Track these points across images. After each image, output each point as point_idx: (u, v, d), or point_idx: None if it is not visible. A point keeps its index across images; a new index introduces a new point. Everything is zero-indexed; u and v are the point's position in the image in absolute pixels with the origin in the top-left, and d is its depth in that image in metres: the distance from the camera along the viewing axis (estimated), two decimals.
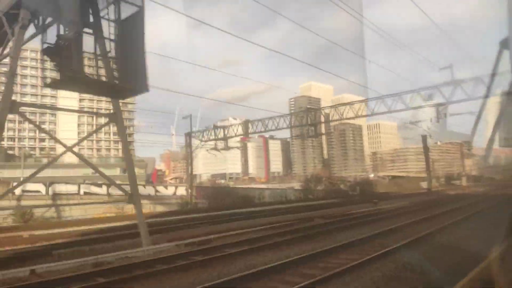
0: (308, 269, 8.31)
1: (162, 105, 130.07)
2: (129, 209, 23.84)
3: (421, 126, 35.32)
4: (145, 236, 11.79)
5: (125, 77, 9.43)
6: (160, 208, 30.40)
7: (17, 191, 26.81)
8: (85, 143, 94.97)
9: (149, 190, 38.07)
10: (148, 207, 28.46)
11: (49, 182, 31.41)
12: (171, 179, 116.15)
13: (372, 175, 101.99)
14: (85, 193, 32.85)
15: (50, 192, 30.74)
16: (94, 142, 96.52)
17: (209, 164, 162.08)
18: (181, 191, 37.40)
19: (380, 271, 7.85)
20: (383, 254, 9.17)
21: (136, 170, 78.54)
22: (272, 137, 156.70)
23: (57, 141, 34.71)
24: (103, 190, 33.22)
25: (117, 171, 74.94)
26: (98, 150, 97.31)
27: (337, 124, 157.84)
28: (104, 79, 10.24)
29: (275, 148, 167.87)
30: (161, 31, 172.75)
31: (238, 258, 9.78)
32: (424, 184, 66.32)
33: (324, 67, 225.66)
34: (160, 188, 40.88)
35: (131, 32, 9.25)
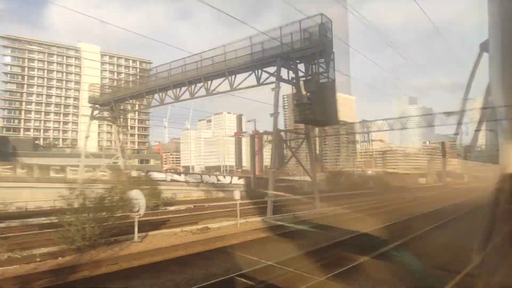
0: None
1: None
2: (215, 193, 32.80)
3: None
4: (318, 203, 20.78)
5: (324, 114, 18.47)
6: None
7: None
8: (104, 136, 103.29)
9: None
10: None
11: (146, 170, 39.84)
12: (165, 170, 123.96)
13: (370, 171, 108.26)
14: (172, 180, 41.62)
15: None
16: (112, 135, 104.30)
17: (202, 157, 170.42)
18: (234, 180, 45.04)
19: None
20: None
21: (153, 161, 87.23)
22: (266, 132, 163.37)
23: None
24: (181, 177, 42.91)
25: (135, 161, 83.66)
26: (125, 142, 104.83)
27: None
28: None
29: (269, 141, 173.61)
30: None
31: None
32: (422, 180, 73.59)
33: None
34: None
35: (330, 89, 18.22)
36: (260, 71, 21.71)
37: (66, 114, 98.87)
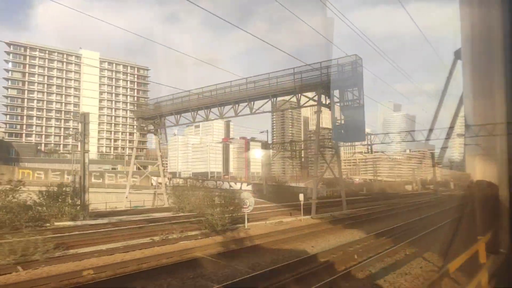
0: None
1: None
2: None
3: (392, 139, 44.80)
4: (345, 205, 25.48)
5: (355, 133, 23.38)
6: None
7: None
8: (103, 141, 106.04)
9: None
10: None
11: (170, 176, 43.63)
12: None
13: (357, 179, 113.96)
14: None
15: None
16: (112, 141, 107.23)
17: (188, 163, 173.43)
18: (243, 186, 49.20)
19: None
20: None
21: (150, 167, 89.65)
22: (253, 139, 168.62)
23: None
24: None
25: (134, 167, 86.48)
26: (115, 148, 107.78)
27: (315, 131, 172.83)
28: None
29: (256, 149, 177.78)
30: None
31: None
32: (408, 187, 78.54)
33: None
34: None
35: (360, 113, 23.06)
36: (299, 95, 26.73)
37: (66, 120, 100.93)
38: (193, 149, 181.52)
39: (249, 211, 16.87)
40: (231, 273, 9.44)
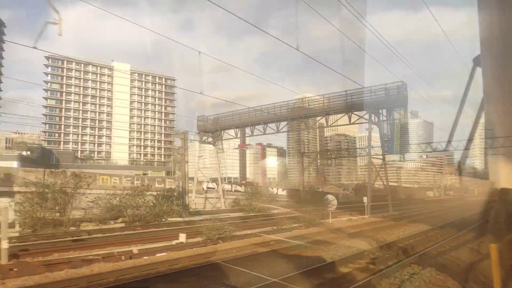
0: None
1: None
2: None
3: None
4: (391, 208, 29.62)
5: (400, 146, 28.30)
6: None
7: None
8: (134, 148, 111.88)
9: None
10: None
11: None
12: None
13: (377, 185, 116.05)
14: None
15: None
16: (142, 148, 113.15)
17: (205, 169, 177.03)
18: (279, 191, 53.66)
19: None
20: None
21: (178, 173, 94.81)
22: (269, 145, 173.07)
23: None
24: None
25: (163, 173, 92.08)
26: (145, 155, 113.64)
27: (333, 135, 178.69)
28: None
29: (271, 155, 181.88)
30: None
31: None
32: (430, 193, 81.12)
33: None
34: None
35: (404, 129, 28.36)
36: (350, 113, 31.62)
37: (100, 128, 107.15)
38: (210, 156, 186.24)
39: (333, 209, 21.72)
40: (364, 247, 14.16)
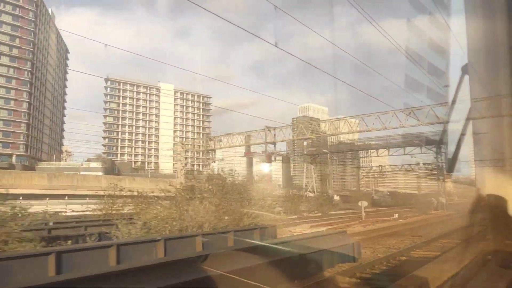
0: None
1: None
2: None
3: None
4: (445, 208, 44.72)
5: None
6: None
7: None
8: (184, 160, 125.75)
9: None
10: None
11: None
12: None
13: (384, 191, 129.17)
14: None
15: None
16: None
17: None
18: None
19: None
20: None
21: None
22: (275, 153, 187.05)
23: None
24: None
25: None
26: (185, 164, 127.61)
27: (336, 144, 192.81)
28: None
29: (276, 162, 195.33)
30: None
31: None
32: (442, 200, 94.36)
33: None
34: None
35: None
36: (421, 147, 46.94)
37: (149, 142, 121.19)
38: (217, 164, 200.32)
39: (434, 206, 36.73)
40: None
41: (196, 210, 10.06)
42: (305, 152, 53.25)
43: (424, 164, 57.48)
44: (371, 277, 8.36)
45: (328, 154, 52.12)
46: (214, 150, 46.94)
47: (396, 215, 27.59)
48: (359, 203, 24.49)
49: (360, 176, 74.21)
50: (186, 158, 47.54)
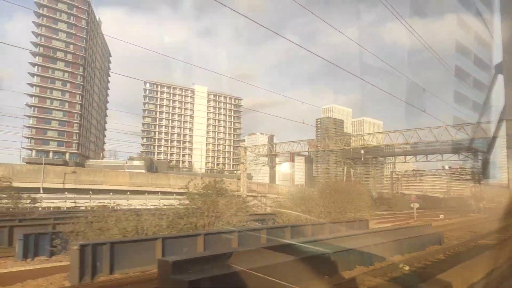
0: None
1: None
2: None
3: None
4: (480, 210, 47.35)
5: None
6: None
7: None
8: (209, 159, 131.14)
9: None
10: None
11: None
12: None
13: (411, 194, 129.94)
14: None
15: None
16: (216, 158, 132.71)
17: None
18: None
19: None
20: None
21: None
22: (298, 153, 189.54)
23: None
24: None
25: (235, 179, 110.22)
26: (217, 164, 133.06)
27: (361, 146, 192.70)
28: None
29: (299, 162, 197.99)
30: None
31: None
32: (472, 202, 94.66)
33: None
34: None
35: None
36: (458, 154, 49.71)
37: (184, 142, 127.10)
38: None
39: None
40: None
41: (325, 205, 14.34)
42: (362, 159, 56.46)
43: (460, 168, 59.21)
44: (457, 255, 12.15)
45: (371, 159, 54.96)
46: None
47: (441, 216, 30.78)
48: (411, 205, 27.88)
49: (393, 179, 76.07)
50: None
